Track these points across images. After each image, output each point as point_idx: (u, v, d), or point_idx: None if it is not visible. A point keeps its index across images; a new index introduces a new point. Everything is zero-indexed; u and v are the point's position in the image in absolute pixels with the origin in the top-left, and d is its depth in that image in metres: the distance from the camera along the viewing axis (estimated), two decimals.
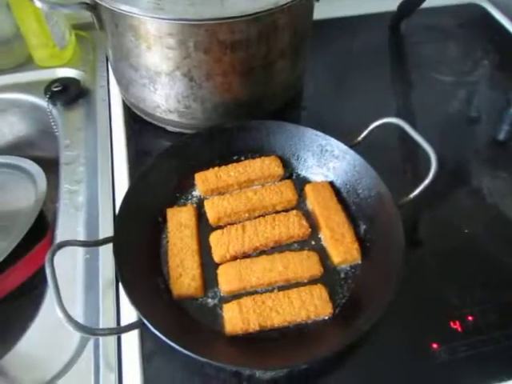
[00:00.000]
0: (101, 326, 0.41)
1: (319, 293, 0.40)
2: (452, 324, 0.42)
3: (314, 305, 0.40)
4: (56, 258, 0.37)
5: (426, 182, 0.44)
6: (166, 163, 0.49)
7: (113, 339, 0.40)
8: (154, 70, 0.50)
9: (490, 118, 0.59)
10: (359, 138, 0.50)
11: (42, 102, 0.63)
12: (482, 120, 0.60)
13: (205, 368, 0.38)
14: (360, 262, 0.44)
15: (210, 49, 0.46)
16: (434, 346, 0.40)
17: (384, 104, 0.63)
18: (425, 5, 0.68)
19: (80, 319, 0.42)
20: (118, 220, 0.43)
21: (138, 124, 0.58)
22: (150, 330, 0.35)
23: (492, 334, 0.41)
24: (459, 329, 0.41)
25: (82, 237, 0.48)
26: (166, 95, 0.52)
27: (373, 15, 0.75)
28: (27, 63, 0.67)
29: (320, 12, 0.58)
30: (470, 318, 0.42)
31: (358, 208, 0.48)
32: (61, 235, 0.49)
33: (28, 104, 0.65)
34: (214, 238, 0.44)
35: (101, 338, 0.40)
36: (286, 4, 0.45)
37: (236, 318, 0.39)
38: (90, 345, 0.41)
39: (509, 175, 0.54)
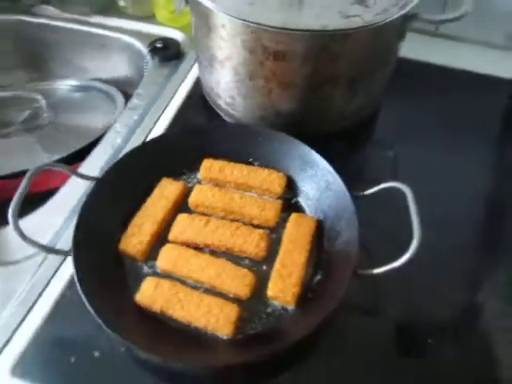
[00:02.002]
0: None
1: (228, 311, 0.40)
2: None
3: (216, 319, 0.40)
4: None
5: (394, 264, 0.39)
6: (188, 140, 0.52)
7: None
8: (212, 54, 0.53)
9: None
10: (366, 193, 0.47)
11: (145, 52, 0.72)
12: None
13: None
14: (293, 307, 0.42)
15: (254, 51, 0.47)
16: None
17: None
18: None
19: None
20: (119, 162, 0.48)
21: (197, 97, 0.63)
22: (76, 263, 0.40)
23: None
24: None
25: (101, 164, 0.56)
26: (217, 81, 0.55)
27: (491, 77, 0.66)
28: (150, 17, 0.76)
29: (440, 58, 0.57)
30: None
31: (327, 258, 0.45)
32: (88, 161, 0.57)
33: (134, 49, 0.74)
34: (179, 219, 0.46)
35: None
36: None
37: (147, 292, 0.41)
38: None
39: None
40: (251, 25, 0.45)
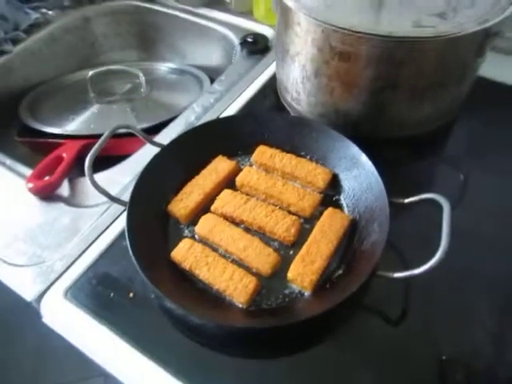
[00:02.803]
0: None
1: (247, 283, 0.44)
2: None
3: (235, 286, 0.44)
4: None
5: (415, 272, 0.40)
6: (250, 125, 0.57)
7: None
8: (286, 49, 0.56)
9: None
10: (406, 201, 0.47)
11: (237, 44, 0.78)
12: None
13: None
14: (309, 293, 0.44)
15: (322, 50, 0.50)
16: None
17: None
18: None
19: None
20: (185, 134, 0.54)
21: (270, 90, 0.67)
22: (129, 214, 0.47)
23: None
24: None
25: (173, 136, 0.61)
26: (286, 74, 0.59)
27: None
28: (248, 13, 0.82)
29: None
30: None
31: (352, 255, 0.46)
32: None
33: (228, 41, 0.81)
34: (223, 193, 0.51)
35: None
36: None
37: (181, 251, 0.46)
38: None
39: None
40: (322, 24, 0.48)
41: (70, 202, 0.56)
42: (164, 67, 0.90)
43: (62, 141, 0.67)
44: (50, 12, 0.88)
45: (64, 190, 0.57)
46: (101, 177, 0.56)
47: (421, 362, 0.41)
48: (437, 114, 0.56)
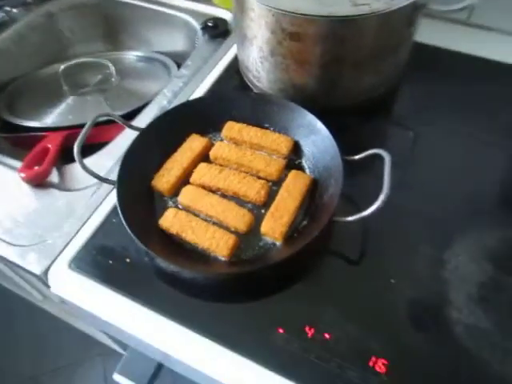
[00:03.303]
0: None
1: (227, 239, 0.51)
2: (307, 329, 0.48)
3: (217, 243, 0.51)
4: None
5: (364, 213, 0.48)
6: (218, 104, 0.63)
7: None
8: (244, 33, 0.62)
9: None
10: (356, 157, 0.55)
11: (198, 29, 0.84)
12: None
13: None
14: (280, 243, 0.52)
15: (275, 32, 0.56)
16: (280, 330, 0.48)
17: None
18: None
19: None
20: (160, 118, 0.60)
21: (233, 71, 0.73)
22: (118, 191, 0.53)
23: (328, 357, 0.46)
24: (309, 334, 0.47)
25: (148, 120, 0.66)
26: (247, 55, 0.65)
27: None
28: None
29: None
30: (326, 334, 0.47)
31: (314, 208, 0.54)
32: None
33: (190, 27, 0.86)
34: (199, 166, 0.58)
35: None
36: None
37: (168, 219, 0.53)
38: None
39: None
40: (272, 9, 0.54)
41: (61, 187, 0.62)
42: (131, 56, 0.95)
43: (44, 133, 0.72)
44: (14, 10, 0.91)
45: (54, 177, 0.63)
46: (86, 162, 0.61)
47: (376, 288, 0.50)
48: (380, 81, 0.64)
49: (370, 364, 0.45)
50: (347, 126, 0.63)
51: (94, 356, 1.41)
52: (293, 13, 0.53)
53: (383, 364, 0.45)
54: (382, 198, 0.47)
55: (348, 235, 0.54)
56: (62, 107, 0.81)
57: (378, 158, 0.52)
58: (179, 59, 0.90)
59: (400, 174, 0.50)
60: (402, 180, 0.56)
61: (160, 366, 0.63)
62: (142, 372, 0.61)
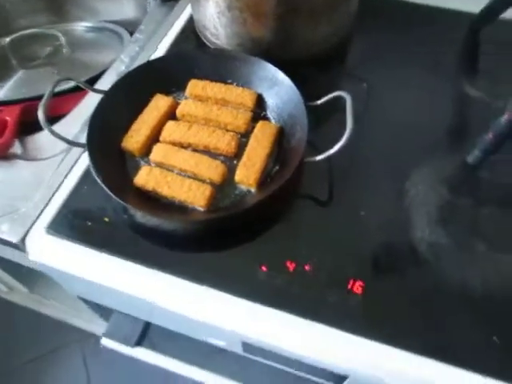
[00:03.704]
0: None
1: (204, 189, 0.53)
2: (288, 264, 0.51)
3: (194, 194, 0.53)
4: None
5: (331, 151, 0.51)
6: (178, 63, 0.63)
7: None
8: None
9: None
10: (318, 102, 0.58)
11: None
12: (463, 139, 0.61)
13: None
14: (254, 189, 0.55)
15: None
16: (263, 268, 0.51)
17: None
18: None
19: None
20: (122, 79, 0.60)
21: (190, 31, 0.73)
22: (90, 153, 0.53)
23: (309, 286, 0.49)
24: (290, 268, 0.51)
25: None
26: (203, 13, 0.66)
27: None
28: None
29: None
30: (306, 266, 0.51)
31: (284, 154, 0.57)
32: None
33: None
34: (167, 125, 0.59)
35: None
36: None
37: (142, 176, 0.54)
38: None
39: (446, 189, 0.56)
40: None
41: (26, 157, 0.61)
42: (80, 27, 0.92)
43: None
44: None
45: (17, 149, 0.62)
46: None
47: (347, 220, 0.54)
48: (334, 31, 0.66)
49: (349, 287, 0.49)
50: (305, 76, 0.65)
51: (71, 343, 1.39)
52: None
53: (360, 286, 0.49)
54: (346, 134, 0.50)
55: (317, 177, 0.58)
56: (13, 81, 0.78)
57: (339, 103, 0.55)
58: (131, 27, 0.88)
59: (358, 117, 0.53)
60: (359, 122, 0.60)
61: (147, 326, 0.64)
62: (129, 333, 0.63)
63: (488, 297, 0.48)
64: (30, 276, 1.17)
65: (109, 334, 0.62)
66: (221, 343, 0.58)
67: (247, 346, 0.54)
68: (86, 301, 0.69)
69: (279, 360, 0.60)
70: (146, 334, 0.64)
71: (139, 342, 0.63)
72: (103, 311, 0.73)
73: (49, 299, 1.10)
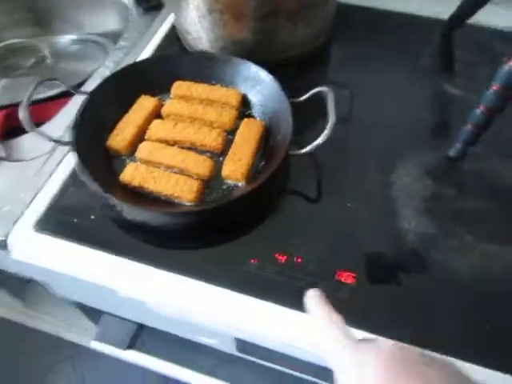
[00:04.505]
0: None
1: (191, 184, 0.53)
2: (278, 256, 0.51)
3: (181, 189, 0.52)
4: None
5: (315, 143, 0.52)
6: (162, 66, 0.64)
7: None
8: None
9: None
10: (301, 98, 0.59)
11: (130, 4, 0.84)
12: (444, 134, 0.62)
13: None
14: (242, 184, 0.55)
15: None
16: (253, 261, 0.50)
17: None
18: None
19: None
20: (107, 79, 0.60)
21: (173, 38, 0.75)
22: (77, 152, 0.53)
23: (299, 277, 0.49)
24: (281, 260, 0.50)
25: None
26: (185, 18, 0.67)
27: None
28: None
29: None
30: (296, 259, 0.50)
31: (270, 149, 0.57)
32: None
33: (122, 4, 0.86)
34: (153, 123, 0.59)
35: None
36: None
37: (128, 172, 0.54)
38: None
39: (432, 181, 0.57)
40: None
41: (9, 159, 0.60)
42: (64, 39, 0.93)
43: None
44: None
45: (0, 152, 0.61)
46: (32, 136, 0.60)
47: (335, 212, 0.54)
48: (313, 33, 0.68)
49: (338, 277, 0.49)
50: (287, 75, 0.67)
51: (63, 359, 1.33)
52: None
53: (352, 276, 0.49)
54: (329, 125, 0.51)
55: (305, 172, 0.58)
56: None
57: (321, 99, 0.56)
58: (114, 38, 0.89)
59: (342, 111, 0.54)
60: (344, 122, 0.62)
61: (139, 328, 0.62)
62: (121, 336, 0.61)
63: (476, 285, 0.49)
64: (22, 288, 1.14)
65: (99, 338, 0.60)
66: (213, 341, 0.57)
67: (240, 343, 0.53)
68: (75, 304, 0.67)
69: (273, 359, 0.59)
70: (139, 336, 0.62)
71: (131, 345, 0.61)
72: (93, 315, 0.70)
73: (42, 313, 1.07)
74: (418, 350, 0.31)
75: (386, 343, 0.31)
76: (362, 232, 0.53)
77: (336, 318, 0.34)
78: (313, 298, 0.37)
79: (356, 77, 0.70)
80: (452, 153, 0.59)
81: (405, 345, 0.32)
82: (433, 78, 0.71)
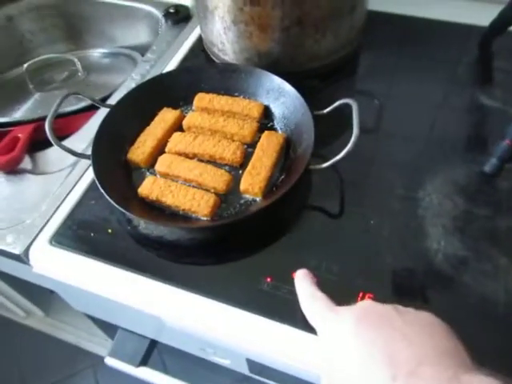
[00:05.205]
0: None
1: (208, 198, 0.52)
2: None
3: (198, 203, 0.51)
4: None
5: (337, 157, 0.49)
6: (186, 78, 0.64)
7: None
8: (205, 5, 0.64)
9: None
10: (325, 111, 0.57)
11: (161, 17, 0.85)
12: (479, 149, 0.58)
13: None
14: (260, 198, 0.53)
15: None
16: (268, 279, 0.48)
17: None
18: None
19: None
20: (130, 93, 0.61)
21: (198, 50, 0.75)
22: (95, 166, 0.53)
23: None
24: None
25: None
26: (210, 30, 0.67)
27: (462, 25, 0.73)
28: None
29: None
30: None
31: (290, 163, 0.56)
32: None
33: (153, 17, 0.87)
34: (173, 136, 0.58)
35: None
36: None
37: (146, 186, 0.54)
38: None
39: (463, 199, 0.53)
40: None
41: (35, 171, 0.61)
42: (96, 53, 0.95)
43: (13, 128, 0.71)
44: None
45: (27, 164, 0.63)
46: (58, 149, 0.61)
47: (357, 230, 0.51)
48: (338, 45, 0.66)
49: (358, 300, 0.46)
50: (311, 87, 0.66)
51: (85, 368, 1.36)
52: None
53: (369, 298, 0.46)
54: (352, 140, 0.49)
55: (327, 187, 0.56)
56: (29, 103, 0.80)
57: (346, 110, 0.54)
58: (144, 51, 0.91)
59: (369, 123, 0.52)
60: (371, 133, 0.59)
61: (153, 344, 0.62)
62: (134, 352, 0.60)
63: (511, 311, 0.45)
64: (45, 299, 1.17)
65: (113, 353, 0.60)
66: (226, 361, 0.55)
67: (252, 365, 0.51)
68: (92, 318, 0.67)
69: (286, 382, 0.56)
70: (151, 353, 0.62)
71: (144, 362, 0.61)
72: (109, 328, 0.71)
73: (64, 323, 1.10)
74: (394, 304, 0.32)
75: (362, 301, 0.34)
76: (385, 251, 0.50)
77: (320, 296, 0.38)
78: (301, 277, 0.41)
79: (385, 87, 0.68)
80: (487, 169, 0.55)
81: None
82: (468, 88, 0.67)
